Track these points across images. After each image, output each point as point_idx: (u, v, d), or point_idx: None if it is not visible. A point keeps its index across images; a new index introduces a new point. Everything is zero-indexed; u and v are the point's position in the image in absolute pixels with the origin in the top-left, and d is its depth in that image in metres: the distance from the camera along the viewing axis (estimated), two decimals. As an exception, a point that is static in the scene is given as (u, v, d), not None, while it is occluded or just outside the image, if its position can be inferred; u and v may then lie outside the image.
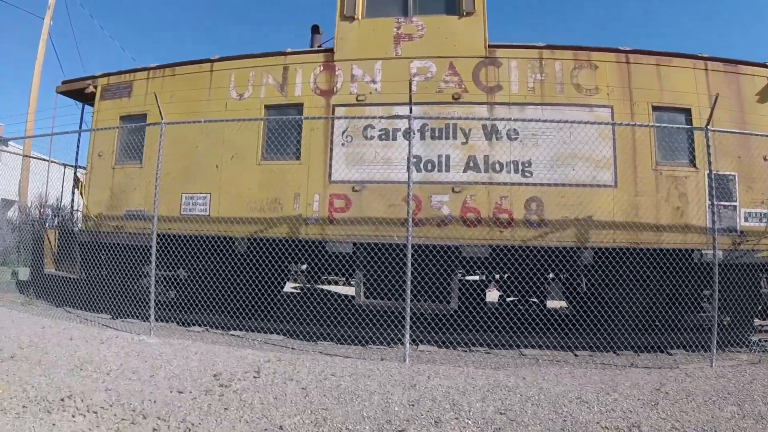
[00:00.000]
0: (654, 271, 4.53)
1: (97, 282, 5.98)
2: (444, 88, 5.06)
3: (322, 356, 4.11)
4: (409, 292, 4.06)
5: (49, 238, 6.56)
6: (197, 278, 5.79)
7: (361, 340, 4.85)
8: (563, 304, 6.35)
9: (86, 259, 6.33)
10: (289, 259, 5.41)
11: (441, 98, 5.01)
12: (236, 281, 5.59)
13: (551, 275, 5.77)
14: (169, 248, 5.40)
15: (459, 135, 4.94)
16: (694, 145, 4.58)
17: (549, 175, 4.65)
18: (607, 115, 4.73)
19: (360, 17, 5.46)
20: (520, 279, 4.97)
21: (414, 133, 5.07)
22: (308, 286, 8.81)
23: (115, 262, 6.01)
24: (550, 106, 4.78)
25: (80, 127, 7.27)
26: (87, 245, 6.22)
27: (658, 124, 4.49)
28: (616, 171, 4.64)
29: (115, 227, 6.06)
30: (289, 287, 8.84)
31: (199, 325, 5.73)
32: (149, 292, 4.75)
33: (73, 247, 6.59)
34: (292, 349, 4.57)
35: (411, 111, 4.53)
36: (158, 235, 5.37)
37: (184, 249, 5.42)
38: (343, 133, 5.25)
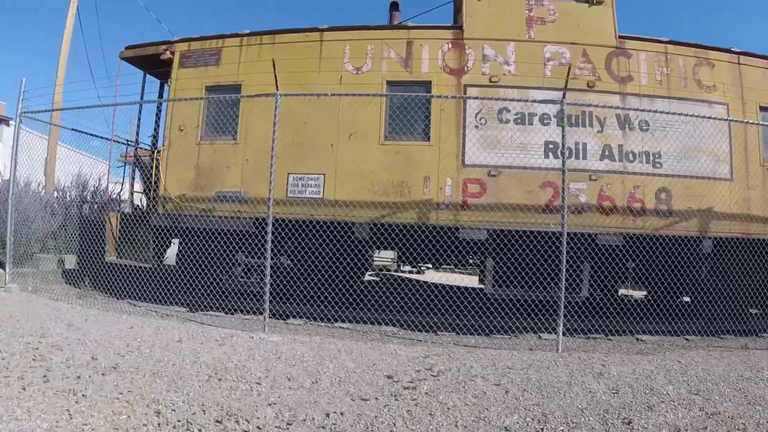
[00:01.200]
0: (762, 259, 5.17)
1: (178, 272, 5.48)
2: (579, 75, 5.25)
3: (474, 349, 4.17)
4: (564, 280, 4.26)
5: (111, 223, 5.84)
6: (304, 267, 5.51)
7: (485, 329, 4.95)
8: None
9: (163, 247, 5.78)
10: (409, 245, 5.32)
11: (576, 85, 5.19)
12: (346, 269, 5.40)
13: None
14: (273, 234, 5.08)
15: (595, 123, 5.19)
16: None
17: (677, 167, 5.08)
18: (724, 112, 5.22)
19: None
20: (650, 268, 5.35)
21: (551, 119, 5.24)
22: (387, 274, 8.72)
23: (202, 250, 5.56)
24: (675, 99, 5.17)
25: (142, 98, 6.45)
26: (164, 231, 5.65)
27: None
28: (732, 165, 5.16)
29: (203, 210, 5.58)
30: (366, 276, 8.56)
31: (295, 317, 5.48)
32: (264, 283, 4.45)
33: (139, 233, 5.95)
34: (431, 342, 4.57)
35: (564, 96, 4.65)
36: (257, 219, 5.10)
37: (291, 235, 5.14)
38: (477, 115, 5.26)
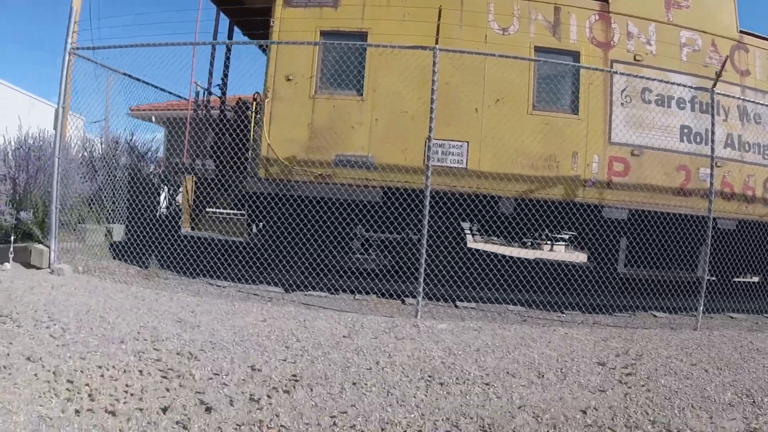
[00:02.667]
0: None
1: (271, 246, 4.61)
2: (708, 64, 5.53)
3: (636, 330, 4.23)
4: (707, 262, 4.52)
5: (186, 188, 4.68)
6: (442, 242, 4.99)
7: (615, 308, 5.11)
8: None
9: (265, 217, 4.82)
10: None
11: (706, 73, 5.47)
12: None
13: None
14: (403, 205, 4.64)
15: (721, 112, 5.51)
16: None
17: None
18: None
19: None
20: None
21: (686, 104, 5.45)
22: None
23: (312, 221, 4.78)
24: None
25: (215, 37, 5.28)
26: (268, 198, 4.74)
27: None
28: None
29: (320, 176, 4.76)
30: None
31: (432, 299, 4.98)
32: (419, 262, 4.03)
33: (223, 200, 4.88)
34: (594, 324, 4.56)
35: (715, 85, 4.87)
36: (387, 189, 4.60)
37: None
38: (623, 92, 5.27)
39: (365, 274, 5.07)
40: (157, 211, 6.07)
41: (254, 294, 4.60)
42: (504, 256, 5.93)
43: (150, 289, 4.13)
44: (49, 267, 4.29)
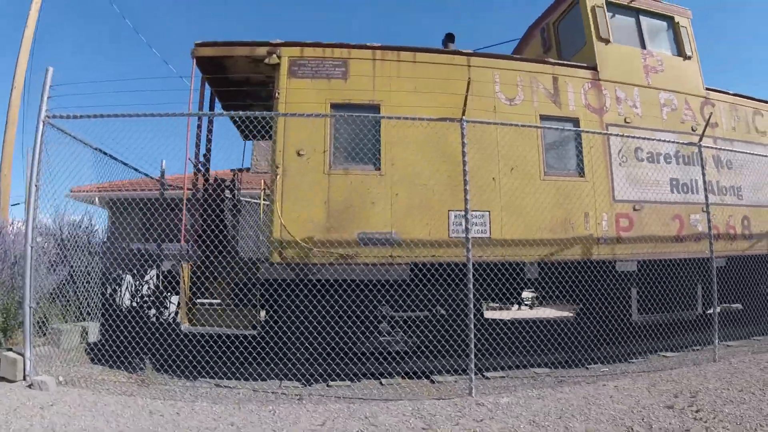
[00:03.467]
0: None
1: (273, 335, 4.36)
2: (685, 120, 6.16)
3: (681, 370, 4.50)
4: (717, 299, 4.94)
5: (183, 277, 4.28)
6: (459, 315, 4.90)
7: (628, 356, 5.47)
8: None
9: (280, 304, 4.52)
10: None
11: (683, 129, 6.10)
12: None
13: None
14: (430, 280, 4.64)
15: (695, 163, 6.10)
16: None
17: (752, 198, 6.33)
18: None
19: (612, 41, 5.96)
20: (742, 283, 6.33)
21: (671, 158, 5.99)
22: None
23: (333, 305, 4.58)
24: (745, 143, 6.48)
25: (201, 108, 5.02)
26: (282, 284, 4.47)
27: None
28: None
29: (342, 256, 4.59)
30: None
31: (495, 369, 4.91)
32: (468, 340, 4.00)
33: (220, 290, 4.53)
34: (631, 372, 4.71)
35: (701, 140, 5.43)
36: (414, 265, 4.59)
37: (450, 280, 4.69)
38: (619, 152, 5.68)
39: (385, 355, 4.83)
40: (120, 304, 5.45)
41: (273, 392, 4.28)
42: (494, 320, 6.00)
43: (159, 401, 3.63)
44: (25, 379, 3.64)
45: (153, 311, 5.35)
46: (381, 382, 4.68)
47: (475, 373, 4.13)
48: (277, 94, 4.77)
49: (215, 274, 4.74)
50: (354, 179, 4.76)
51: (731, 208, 6.31)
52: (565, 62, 5.80)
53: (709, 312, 6.40)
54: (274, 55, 4.78)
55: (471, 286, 4.08)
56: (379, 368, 4.76)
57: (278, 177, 4.56)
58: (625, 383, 4.13)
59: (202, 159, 6.11)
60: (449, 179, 4.98)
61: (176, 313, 4.80)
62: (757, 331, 6.24)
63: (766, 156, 6.37)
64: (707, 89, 6.53)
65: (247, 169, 14.03)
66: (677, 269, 5.63)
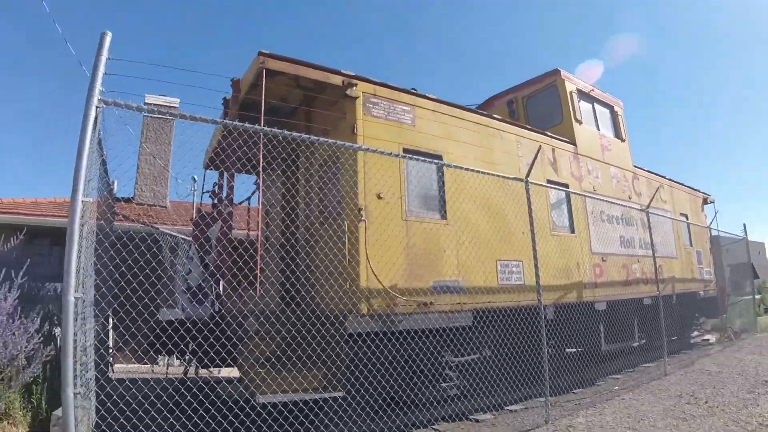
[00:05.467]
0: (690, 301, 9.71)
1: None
2: (625, 190, 8.55)
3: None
4: (664, 328, 7.19)
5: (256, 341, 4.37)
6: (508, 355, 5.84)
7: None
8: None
9: (369, 358, 4.89)
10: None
11: (624, 197, 8.46)
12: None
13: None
14: (483, 325, 5.69)
15: (635, 223, 8.54)
16: (690, 236, 10.25)
17: (662, 251, 9.02)
18: (676, 219, 9.69)
19: (583, 123, 8.06)
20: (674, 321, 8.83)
21: (620, 221, 8.24)
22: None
23: (417, 355, 5.16)
24: (656, 209, 9.22)
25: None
26: (364, 337, 4.84)
27: (687, 221, 9.81)
28: (676, 249, 9.60)
29: (422, 304, 5.27)
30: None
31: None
32: (543, 372, 5.23)
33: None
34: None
35: (648, 206, 7.78)
36: (476, 311, 5.62)
37: (498, 324, 5.71)
38: (591, 214, 7.62)
39: (438, 400, 5.38)
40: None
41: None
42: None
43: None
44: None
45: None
46: (433, 427, 5.13)
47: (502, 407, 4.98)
48: (355, 129, 5.06)
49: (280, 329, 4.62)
50: (427, 227, 5.36)
51: (650, 259, 8.75)
52: (559, 137, 7.47)
53: (641, 343, 8.63)
54: (354, 88, 5.11)
55: (543, 324, 5.02)
56: (426, 415, 5.23)
57: (362, 221, 4.83)
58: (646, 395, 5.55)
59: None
60: (494, 230, 5.95)
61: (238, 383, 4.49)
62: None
63: (676, 219, 9.09)
64: (635, 166, 9.06)
65: (128, 200, 12.56)
66: (625, 307, 7.60)
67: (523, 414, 5.49)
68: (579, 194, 7.03)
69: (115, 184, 6.71)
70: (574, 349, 6.96)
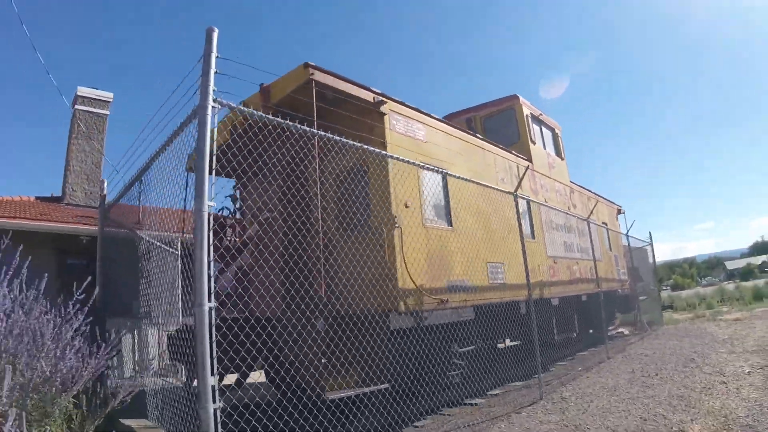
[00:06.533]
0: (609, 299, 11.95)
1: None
2: (567, 203, 10.47)
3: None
4: (606, 321, 9.11)
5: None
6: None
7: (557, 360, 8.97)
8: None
9: (407, 353, 5.77)
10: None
11: (565, 208, 10.36)
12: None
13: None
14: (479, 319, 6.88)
15: (574, 231, 10.50)
16: (610, 242, 12.61)
17: (593, 254, 11.12)
18: (595, 226, 11.89)
19: (536, 143, 9.77)
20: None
21: (563, 229, 10.10)
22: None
23: (433, 347, 6.10)
24: (587, 220, 11.34)
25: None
26: (405, 333, 5.76)
27: (611, 230, 12.13)
28: (601, 253, 11.81)
29: (441, 302, 6.31)
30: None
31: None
32: (535, 356, 6.61)
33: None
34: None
35: (589, 217, 9.74)
36: (476, 307, 6.87)
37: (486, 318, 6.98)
38: (545, 222, 9.31)
39: (444, 387, 6.33)
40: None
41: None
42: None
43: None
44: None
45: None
46: (444, 413, 6.05)
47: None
48: (385, 142, 5.82)
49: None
50: (440, 233, 6.34)
51: (585, 261, 10.71)
52: (521, 155, 8.95)
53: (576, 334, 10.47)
54: (380, 107, 5.88)
55: (534, 316, 6.24)
56: (436, 401, 6.12)
57: (397, 228, 5.61)
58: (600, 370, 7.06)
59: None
60: (484, 236, 7.09)
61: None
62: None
63: (604, 227, 11.18)
64: (571, 182, 11.01)
65: (57, 199, 11.69)
66: (569, 303, 9.33)
67: (516, 393, 6.66)
68: (546, 206, 8.56)
69: (105, 184, 6.55)
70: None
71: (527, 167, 7.83)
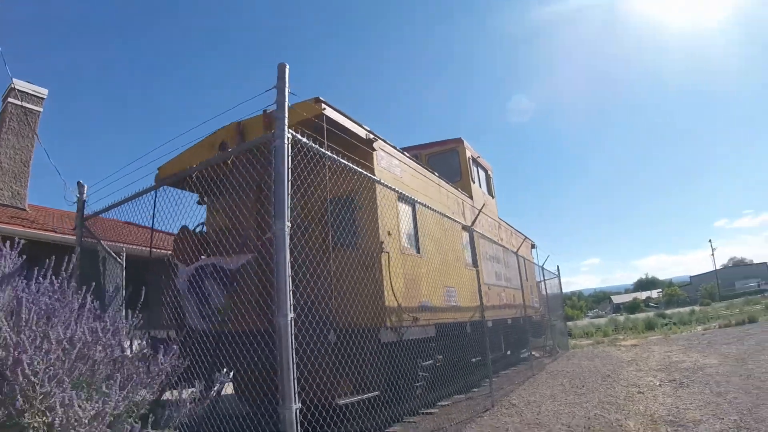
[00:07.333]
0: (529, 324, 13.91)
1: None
2: (497, 236, 12.28)
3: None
4: (529, 341, 10.89)
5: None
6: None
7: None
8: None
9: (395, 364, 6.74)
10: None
11: (497, 239, 12.16)
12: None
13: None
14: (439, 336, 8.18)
15: (501, 262, 12.31)
16: (527, 272, 14.67)
17: (514, 283, 13.03)
18: (520, 258, 13.89)
19: (474, 182, 11.48)
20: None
21: (495, 259, 11.86)
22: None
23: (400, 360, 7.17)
24: (510, 251, 13.27)
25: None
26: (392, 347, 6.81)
27: (529, 261, 14.21)
28: (520, 282, 13.80)
29: (413, 319, 7.45)
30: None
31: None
32: (488, 368, 8.02)
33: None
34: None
35: (518, 251, 11.61)
36: (437, 325, 8.13)
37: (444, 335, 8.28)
38: (481, 253, 10.95)
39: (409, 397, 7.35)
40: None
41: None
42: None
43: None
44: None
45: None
46: (408, 421, 7.02)
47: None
48: (374, 172, 6.78)
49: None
50: (412, 259, 7.44)
51: (509, 290, 12.48)
52: (465, 193, 10.46)
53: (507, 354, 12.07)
54: (379, 141, 6.88)
55: (486, 335, 7.53)
56: (402, 409, 7.03)
57: (384, 253, 6.57)
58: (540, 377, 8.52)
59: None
60: (441, 262, 8.32)
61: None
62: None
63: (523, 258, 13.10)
64: (500, 218, 12.85)
65: None
66: (498, 326, 10.92)
67: (466, 403, 7.80)
68: (489, 239, 10.06)
69: (86, 189, 6.54)
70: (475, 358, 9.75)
71: (483, 205, 9.27)
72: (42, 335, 2.89)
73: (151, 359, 3.71)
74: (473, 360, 9.90)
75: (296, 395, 3.37)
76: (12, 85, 10.15)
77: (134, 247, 8.66)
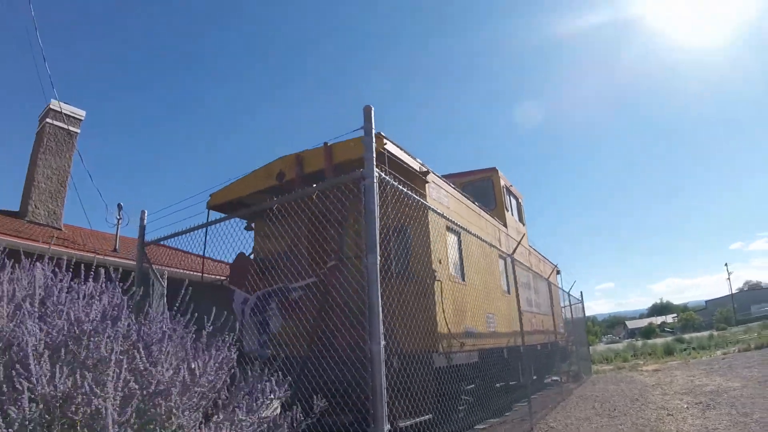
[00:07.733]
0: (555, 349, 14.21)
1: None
2: (527, 262, 12.68)
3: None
4: (560, 368, 11.22)
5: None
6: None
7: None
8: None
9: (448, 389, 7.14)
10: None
11: (528, 266, 12.57)
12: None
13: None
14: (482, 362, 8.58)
15: (531, 288, 12.70)
16: (552, 296, 15.04)
17: (544, 309, 13.38)
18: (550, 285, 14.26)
19: (509, 211, 11.96)
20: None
21: (535, 287, 12.25)
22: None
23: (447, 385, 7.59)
24: (541, 277, 13.65)
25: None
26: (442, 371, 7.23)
27: (556, 286, 14.57)
28: (552, 309, 14.14)
29: (460, 345, 7.88)
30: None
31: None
32: (528, 395, 8.40)
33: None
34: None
35: (550, 276, 12.00)
36: (480, 351, 8.53)
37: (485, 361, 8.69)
38: (518, 280, 11.36)
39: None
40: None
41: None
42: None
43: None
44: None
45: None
46: None
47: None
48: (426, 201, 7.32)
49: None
50: (458, 286, 7.91)
51: (540, 315, 12.84)
52: (500, 221, 10.95)
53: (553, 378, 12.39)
54: (431, 174, 7.43)
55: (525, 360, 7.93)
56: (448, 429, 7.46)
57: (437, 281, 7.06)
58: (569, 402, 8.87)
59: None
60: (483, 289, 8.78)
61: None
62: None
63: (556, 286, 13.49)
64: (529, 245, 13.30)
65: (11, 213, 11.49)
66: (529, 351, 11.25)
67: (504, 426, 8.16)
68: (525, 266, 10.50)
69: (145, 214, 7.11)
70: (514, 381, 10.11)
71: (523, 234, 9.77)
72: (175, 369, 3.37)
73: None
74: (502, 384, 10.24)
75: (386, 417, 3.69)
76: (50, 107, 10.88)
77: (187, 272, 9.22)
